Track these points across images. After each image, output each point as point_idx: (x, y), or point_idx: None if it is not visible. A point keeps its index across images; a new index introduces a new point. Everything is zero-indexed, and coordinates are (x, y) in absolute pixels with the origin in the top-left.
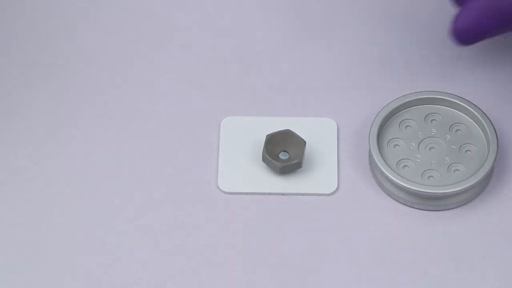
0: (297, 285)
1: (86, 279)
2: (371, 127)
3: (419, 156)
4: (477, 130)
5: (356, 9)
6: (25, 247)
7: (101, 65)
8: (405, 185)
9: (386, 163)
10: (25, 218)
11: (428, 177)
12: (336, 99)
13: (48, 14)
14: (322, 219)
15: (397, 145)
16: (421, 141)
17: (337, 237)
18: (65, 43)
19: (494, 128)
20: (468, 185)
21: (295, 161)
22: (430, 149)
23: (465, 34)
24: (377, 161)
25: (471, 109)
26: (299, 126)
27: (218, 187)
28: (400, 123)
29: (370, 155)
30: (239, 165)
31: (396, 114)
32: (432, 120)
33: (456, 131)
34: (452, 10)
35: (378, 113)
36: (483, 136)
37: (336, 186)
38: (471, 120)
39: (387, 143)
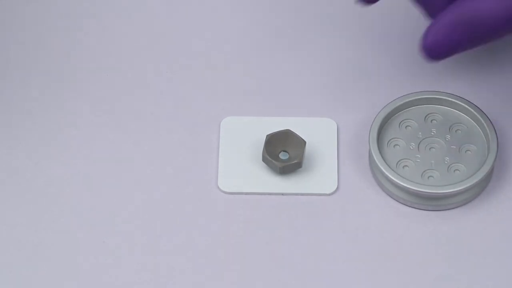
0: (297, 285)
1: (86, 279)
2: (371, 127)
3: (419, 156)
4: (477, 130)
5: (355, 8)
6: (25, 247)
7: (101, 65)
8: (405, 185)
9: (386, 163)
10: (25, 218)
11: (428, 177)
12: (336, 99)
13: (48, 14)
14: (322, 219)
15: (397, 145)
16: (421, 141)
17: (337, 237)
18: (65, 43)
19: (494, 128)
20: (468, 185)
21: (295, 161)
22: (430, 149)
23: (435, 50)
24: (377, 161)
25: (471, 109)
26: (299, 126)
27: (218, 187)
28: (400, 123)
29: (370, 155)
30: (239, 165)
31: (396, 114)
32: (432, 120)
33: (456, 131)
34: None
35: (378, 113)
36: (483, 136)
37: (336, 186)
38: (471, 120)
39: (387, 143)
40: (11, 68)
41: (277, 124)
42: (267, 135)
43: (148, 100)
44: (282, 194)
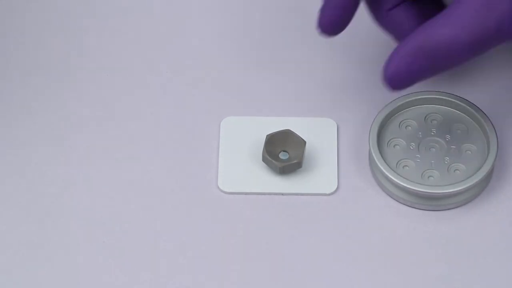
0: (297, 285)
1: (86, 279)
2: (371, 127)
3: (419, 156)
4: (477, 130)
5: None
6: (25, 247)
7: (101, 65)
8: (405, 185)
9: (386, 163)
10: (25, 218)
11: (428, 177)
12: (336, 99)
13: (48, 14)
14: (322, 219)
15: (397, 145)
16: (421, 141)
17: (337, 237)
18: (65, 43)
19: (494, 128)
20: (468, 185)
21: (295, 161)
22: (430, 149)
23: (397, 80)
24: (377, 161)
25: (471, 109)
26: (299, 126)
27: (218, 187)
28: (400, 123)
29: (370, 155)
30: (239, 165)
31: (396, 114)
32: (432, 120)
33: (456, 131)
34: None
35: (378, 113)
36: (483, 136)
37: (336, 186)
38: (471, 120)
39: (387, 143)
40: (11, 68)
41: (277, 124)
42: (267, 135)
43: (148, 100)
44: (282, 194)
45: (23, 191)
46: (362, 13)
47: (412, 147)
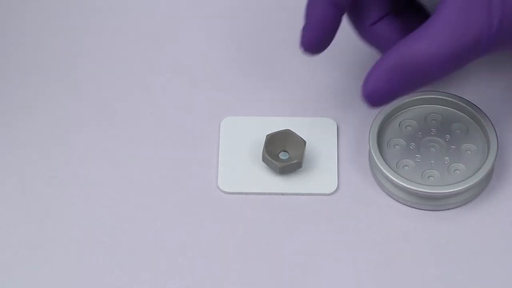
0: (297, 285)
1: (86, 279)
2: (371, 127)
3: (419, 156)
4: (477, 130)
5: None
6: (25, 247)
7: (101, 65)
8: (405, 185)
9: (386, 163)
10: (25, 218)
11: (428, 177)
12: (336, 99)
13: (48, 14)
14: (322, 219)
15: (397, 145)
16: (421, 141)
17: (337, 237)
18: (65, 43)
19: (494, 128)
20: (468, 185)
21: (295, 161)
22: (430, 149)
23: (376, 97)
24: (377, 161)
25: (471, 109)
26: (299, 126)
27: (218, 187)
28: (400, 123)
29: (370, 155)
30: (239, 165)
31: (396, 114)
32: (432, 120)
33: (456, 131)
34: None
35: (378, 113)
36: (483, 136)
37: (336, 186)
38: (471, 120)
39: (387, 143)
40: (11, 68)
41: (277, 124)
42: (267, 135)
43: (148, 100)
44: (282, 194)
45: (23, 191)
46: None
47: (412, 147)
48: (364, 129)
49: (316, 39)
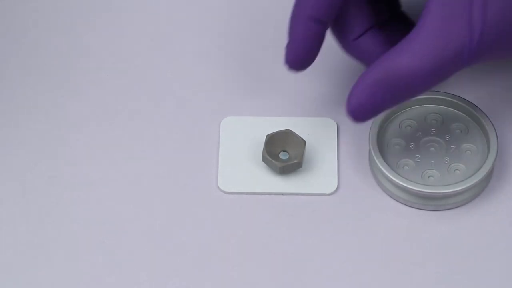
0: (297, 285)
1: (86, 279)
2: (371, 127)
3: (419, 156)
4: (477, 130)
5: None
6: (25, 247)
7: (101, 65)
8: (405, 185)
9: (386, 163)
10: (25, 218)
11: (428, 177)
12: (336, 99)
13: (48, 14)
14: (322, 219)
15: (397, 145)
16: (421, 141)
17: (337, 237)
18: (65, 43)
19: (494, 128)
20: (468, 185)
21: (295, 161)
22: (430, 149)
23: (360, 113)
24: (377, 161)
25: (471, 109)
26: (299, 126)
27: (218, 187)
28: (400, 123)
29: (370, 155)
30: (239, 165)
31: (396, 114)
32: (432, 120)
33: (456, 131)
34: None
35: None
36: (483, 136)
37: (336, 186)
38: (471, 120)
39: (387, 143)
40: (11, 68)
41: (277, 124)
42: (267, 135)
43: (148, 100)
44: (282, 194)
45: (23, 191)
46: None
47: (412, 147)
48: (364, 129)
49: (300, 56)
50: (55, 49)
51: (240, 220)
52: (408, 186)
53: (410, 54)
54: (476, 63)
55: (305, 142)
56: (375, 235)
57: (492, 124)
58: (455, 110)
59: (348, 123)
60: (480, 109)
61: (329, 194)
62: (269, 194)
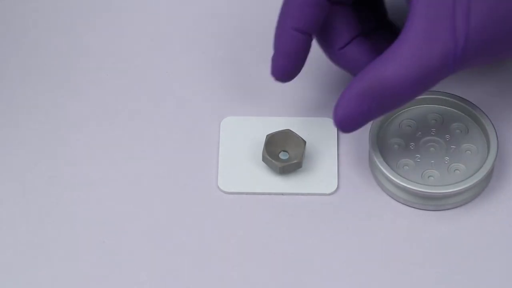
0: (297, 285)
1: (86, 279)
2: (371, 127)
3: (419, 156)
4: (477, 130)
5: None
6: (25, 247)
7: (101, 65)
8: (405, 185)
9: (386, 163)
10: (25, 218)
11: (428, 177)
12: (336, 99)
13: (48, 14)
14: (322, 219)
15: (397, 145)
16: (421, 141)
17: (337, 237)
18: (65, 43)
19: (494, 128)
20: (468, 185)
21: (295, 161)
22: (430, 149)
23: (347, 123)
24: (377, 161)
25: (471, 109)
26: (299, 126)
27: (218, 187)
28: (400, 123)
29: (370, 155)
30: (239, 165)
31: (396, 114)
32: (432, 120)
33: (456, 131)
34: None
35: None
36: (483, 136)
37: (336, 186)
38: (471, 120)
39: (387, 143)
40: (11, 68)
41: (277, 124)
42: (267, 135)
43: (148, 100)
44: (282, 194)
45: (23, 191)
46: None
47: (412, 147)
48: (364, 129)
49: (286, 68)
50: (55, 49)
51: (240, 220)
52: (408, 186)
53: (395, 63)
54: (462, 70)
55: (305, 142)
56: (375, 235)
57: (492, 124)
58: (455, 110)
59: None
60: (480, 109)
61: (329, 194)
62: (269, 194)
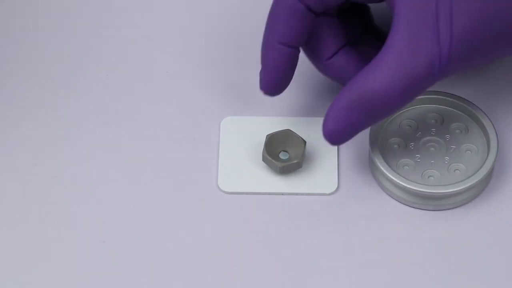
0: (297, 285)
1: (86, 279)
2: (371, 127)
3: (419, 156)
4: (477, 130)
5: None
6: (25, 247)
7: (101, 65)
8: (405, 185)
9: (386, 163)
10: (25, 218)
11: (428, 177)
12: None
13: (48, 14)
14: (322, 219)
15: (397, 145)
16: (421, 141)
17: (337, 237)
18: (65, 43)
19: (494, 128)
20: (468, 185)
21: (295, 161)
22: (430, 149)
23: (336, 136)
24: (377, 161)
25: (471, 109)
26: (299, 126)
27: (218, 187)
28: (400, 123)
29: (370, 155)
30: (239, 165)
31: (396, 114)
32: (432, 120)
33: (456, 131)
34: None
35: None
36: (483, 136)
37: (336, 186)
38: (471, 120)
39: (387, 143)
40: (11, 68)
41: (277, 124)
42: (267, 135)
43: (148, 100)
44: (282, 194)
45: (23, 191)
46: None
47: (412, 147)
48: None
49: (274, 82)
50: (55, 49)
51: (240, 220)
52: (408, 186)
53: (381, 73)
54: (447, 77)
55: (305, 142)
56: (375, 235)
57: (492, 124)
58: (455, 110)
59: None
60: (480, 109)
61: (329, 194)
62: (269, 194)
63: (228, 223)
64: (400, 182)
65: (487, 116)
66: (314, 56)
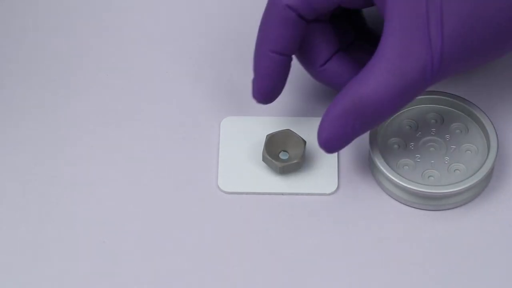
0: (297, 285)
1: (86, 279)
2: None
3: (419, 156)
4: (477, 130)
5: None
6: (25, 247)
7: (101, 65)
8: (405, 185)
9: (386, 163)
10: (25, 218)
11: (428, 177)
12: None
13: (48, 14)
14: (322, 219)
15: (397, 145)
16: (421, 141)
17: (337, 237)
18: (65, 43)
19: (494, 128)
20: (468, 185)
21: (295, 161)
22: (430, 149)
23: (332, 144)
24: (377, 161)
25: (471, 109)
26: (299, 126)
27: (218, 187)
28: (400, 123)
29: (370, 155)
30: (239, 165)
31: (396, 114)
32: (432, 120)
33: (456, 131)
34: None
35: None
36: (483, 136)
37: (336, 186)
38: (471, 120)
39: (387, 143)
40: (11, 68)
41: (277, 124)
42: (267, 135)
43: (148, 100)
44: (282, 194)
45: (23, 191)
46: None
47: (412, 147)
48: None
49: (266, 90)
50: (55, 49)
51: (240, 220)
52: (408, 186)
53: (374, 80)
54: (440, 80)
55: (305, 142)
56: (375, 235)
57: (492, 124)
58: (455, 110)
59: None
60: (480, 109)
61: (329, 194)
62: (269, 194)
63: (228, 223)
64: (400, 182)
65: (487, 116)
66: (307, 63)
